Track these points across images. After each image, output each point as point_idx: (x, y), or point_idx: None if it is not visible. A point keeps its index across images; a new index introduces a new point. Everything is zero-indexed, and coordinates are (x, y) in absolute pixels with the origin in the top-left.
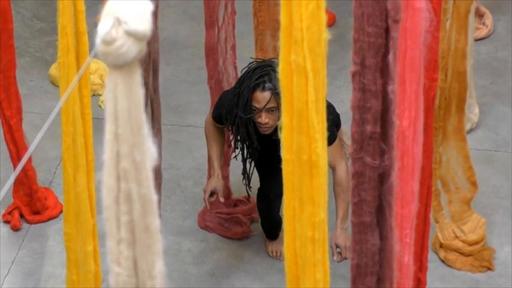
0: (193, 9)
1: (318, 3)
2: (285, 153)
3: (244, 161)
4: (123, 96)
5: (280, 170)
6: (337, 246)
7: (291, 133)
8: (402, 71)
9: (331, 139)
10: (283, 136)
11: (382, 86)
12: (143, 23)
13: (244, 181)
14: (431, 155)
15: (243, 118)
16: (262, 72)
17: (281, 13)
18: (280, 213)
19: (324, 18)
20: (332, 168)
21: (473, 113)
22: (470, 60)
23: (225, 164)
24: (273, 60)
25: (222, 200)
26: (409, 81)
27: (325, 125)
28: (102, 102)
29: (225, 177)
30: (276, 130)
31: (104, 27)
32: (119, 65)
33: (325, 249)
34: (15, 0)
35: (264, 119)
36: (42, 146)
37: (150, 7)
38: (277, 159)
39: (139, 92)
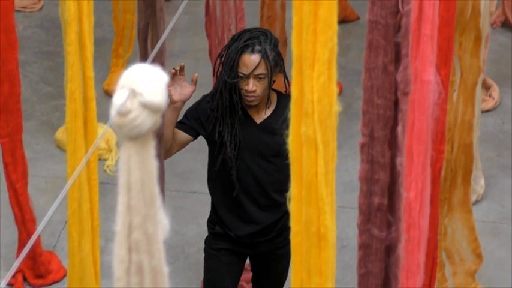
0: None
1: (329, 76)
2: (293, 225)
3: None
4: (137, 168)
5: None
6: None
7: (299, 205)
8: (410, 142)
9: None
10: (292, 208)
11: (390, 158)
12: (158, 95)
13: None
14: (437, 226)
15: (227, 83)
16: (252, 35)
17: (292, 85)
18: None
19: (335, 90)
20: None
21: (478, 184)
22: (477, 132)
23: None
24: (262, 28)
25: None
26: (417, 153)
27: (334, 197)
28: (107, 167)
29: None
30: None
31: (119, 98)
32: (133, 137)
33: None
34: (23, 64)
35: (251, 86)
36: (47, 209)
37: (165, 79)
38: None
39: (153, 164)
